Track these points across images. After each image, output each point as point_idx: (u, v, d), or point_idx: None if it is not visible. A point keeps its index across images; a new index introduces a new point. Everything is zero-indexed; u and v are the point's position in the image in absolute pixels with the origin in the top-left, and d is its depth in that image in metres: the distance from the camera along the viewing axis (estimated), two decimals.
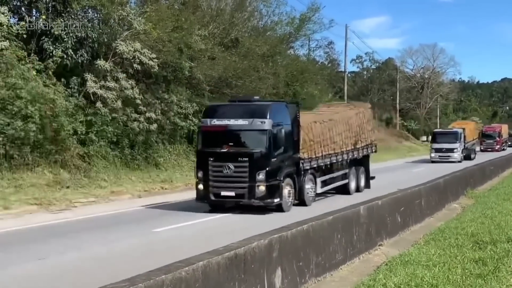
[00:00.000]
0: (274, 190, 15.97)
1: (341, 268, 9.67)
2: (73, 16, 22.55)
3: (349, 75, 76.06)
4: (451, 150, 45.19)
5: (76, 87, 23.05)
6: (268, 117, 15.96)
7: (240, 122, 16.10)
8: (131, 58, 24.39)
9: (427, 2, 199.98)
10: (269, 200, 16.06)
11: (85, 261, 10.56)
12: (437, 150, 46.01)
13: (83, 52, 22.92)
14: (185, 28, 28.63)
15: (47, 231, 13.89)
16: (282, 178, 16.26)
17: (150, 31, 25.59)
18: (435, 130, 56.06)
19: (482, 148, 64.61)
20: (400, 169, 37.68)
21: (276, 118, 16.22)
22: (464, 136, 47.99)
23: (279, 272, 7.74)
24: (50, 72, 21.96)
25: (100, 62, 23.59)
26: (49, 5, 22.42)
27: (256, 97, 18.70)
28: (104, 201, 19.46)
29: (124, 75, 24.48)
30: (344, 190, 21.28)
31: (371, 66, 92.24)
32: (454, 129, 50.42)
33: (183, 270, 5.87)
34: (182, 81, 29.24)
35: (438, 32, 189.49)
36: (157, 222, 14.95)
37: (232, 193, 16.16)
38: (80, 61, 22.94)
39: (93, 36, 23.08)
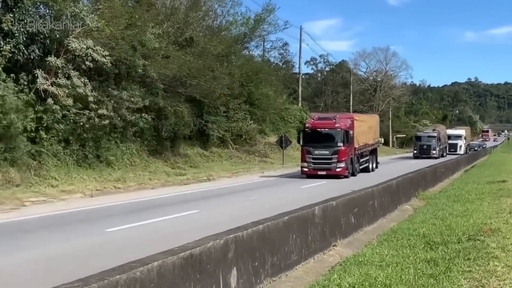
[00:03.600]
0: None
1: (296, 268, 9.66)
2: (24, 12, 21.98)
3: (303, 76, 76.62)
4: None
5: (25, 83, 22.48)
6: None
7: None
8: (83, 55, 23.94)
9: (377, 6, 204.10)
10: None
11: (36, 261, 10.28)
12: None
13: (34, 48, 22.38)
14: (139, 25, 28.32)
15: None
16: None
17: (103, 28, 25.17)
18: None
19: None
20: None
21: None
22: None
23: (235, 272, 7.68)
24: (0, 68, 21.36)
25: (51, 59, 23.09)
26: None
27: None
28: (55, 200, 19.06)
29: (77, 72, 24.01)
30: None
31: (325, 68, 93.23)
32: None
33: (138, 270, 5.75)
34: (136, 79, 28.91)
35: (388, 35, 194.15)
36: (110, 221, 14.70)
37: None
38: (32, 57, 22.39)
39: (45, 32, 22.57)
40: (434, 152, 57.02)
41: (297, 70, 70.66)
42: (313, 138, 30.41)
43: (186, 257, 6.63)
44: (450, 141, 67.56)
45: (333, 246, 11.56)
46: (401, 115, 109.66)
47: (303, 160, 30.59)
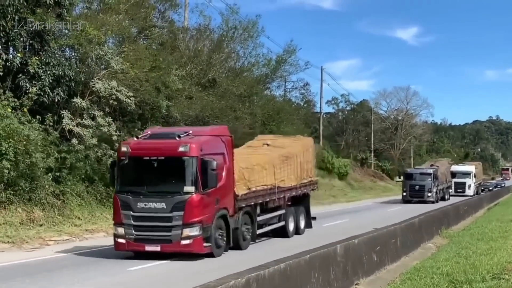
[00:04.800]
0: None
1: None
2: (50, 55, 22.54)
3: (324, 115, 76.85)
4: None
5: (51, 123, 22.91)
6: None
7: None
8: (107, 95, 24.41)
9: (396, 46, 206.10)
10: None
11: None
12: None
13: (59, 90, 22.84)
14: (163, 68, 28.85)
15: (19, 270, 13.65)
16: None
17: (128, 70, 25.70)
18: None
19: None
20: (375, 208, 37.93)
21: None
22: None
23: None
24: (26, 109, 21.84)
25: (77, 100, 23.58)
26: (27, 43, 22.43)
27: None
28: (78, 239, 19.23)
29: (101, 112, 24.46)
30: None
31: (346, 107, 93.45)
32: None
33: None
34: (159, 119, 29.30)
35: (408, 75, 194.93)
36: (132, 260, 14.77)
37: None
38: (57, 99, 22.85)
39: (70, 75, 23.05)
40: (429, 194, 43.82)
41: (318, 110, 71.10)
42: (136, 175, 15.71)
43: None
44: (455, 180, 56.64)
45: (356, 284, 11.52)
46: (423, 153, 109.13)
47: (116, 221, 15.52)
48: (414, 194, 43.95)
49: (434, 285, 11.24)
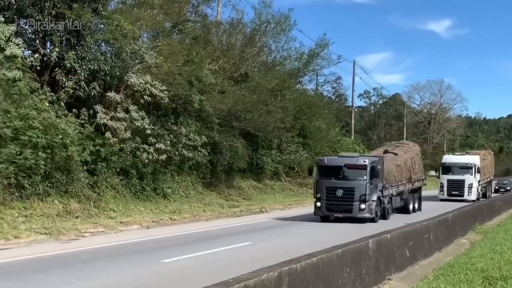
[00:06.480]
0: None
1: None
2: (86, 49, 22.85)
3: (356, 109, 76.47)
4: None
5: (86, 118, 23.26)
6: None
7: None
8: (142, 90, 24.67)
9: (429, 39, 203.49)
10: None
11: None
12: None
13: (95, 84, 23.17)
14: (196, 62, 29.04)
15: (56, 261, 13.92)
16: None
17: (162, 64, 25.93)
18: None
19: None
20: None
21: None
22: None
23: None
24: (62, 103, 22.21)
25: (111, 94, 23.91)
26: (63, 38, 22.77)
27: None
28: (113, 231, 19.49)
29: (135, 106, 24.75)
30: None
31: (378, 101, 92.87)
32: None
33: None
34: (192, 113, 29.56)
35: (440, 68, 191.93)
36: (165, 252, 14.98)
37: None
38: (92, 93, 23.19)
39: (106, 69, 23.34)
40: (362, 206, 23.50)
41: (350, 103, 70.81)
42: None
43: None
44: (449, 177, 41.50)
45: (388, 280, 11.50)
46: (456, 148, 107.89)
47: None
48: (335, 206, 24.02)
49: (468, 281, 11.15)
